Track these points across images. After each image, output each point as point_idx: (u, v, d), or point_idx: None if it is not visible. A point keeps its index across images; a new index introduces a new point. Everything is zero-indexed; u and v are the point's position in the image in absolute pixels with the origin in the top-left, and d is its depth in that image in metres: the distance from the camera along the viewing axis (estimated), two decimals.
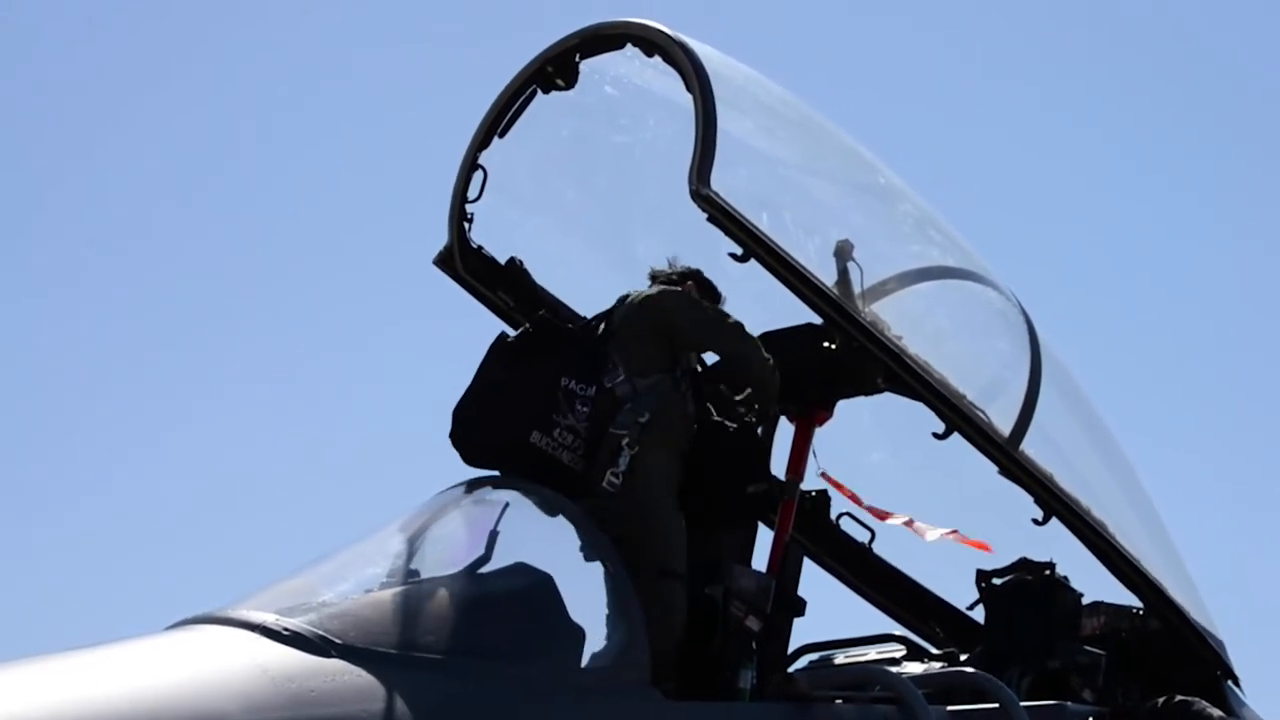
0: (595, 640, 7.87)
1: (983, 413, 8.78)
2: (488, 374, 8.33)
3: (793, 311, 8.74)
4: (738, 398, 8.61)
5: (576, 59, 9.01)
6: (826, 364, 8.95)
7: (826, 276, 8.58)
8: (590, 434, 8.22)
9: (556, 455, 8.18)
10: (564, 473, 8.17)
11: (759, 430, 8.75)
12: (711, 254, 8.51)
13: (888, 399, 8.98)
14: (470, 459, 8.24)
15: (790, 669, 8.90)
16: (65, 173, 24.31)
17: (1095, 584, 9.47)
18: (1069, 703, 8.98)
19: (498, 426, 8.19)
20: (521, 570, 7.89)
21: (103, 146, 24.14)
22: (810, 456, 9.06)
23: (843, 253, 8.72)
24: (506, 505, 8.07)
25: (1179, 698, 9.25)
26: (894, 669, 8.78)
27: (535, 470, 8.15)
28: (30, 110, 24.31)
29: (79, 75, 24.62)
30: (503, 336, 8.49)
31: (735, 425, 8.50)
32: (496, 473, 8.22)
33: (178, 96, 23.97)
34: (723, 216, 8.19)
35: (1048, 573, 9.42)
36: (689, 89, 8.34)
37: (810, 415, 9.08)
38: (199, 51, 23.67)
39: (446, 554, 7.99)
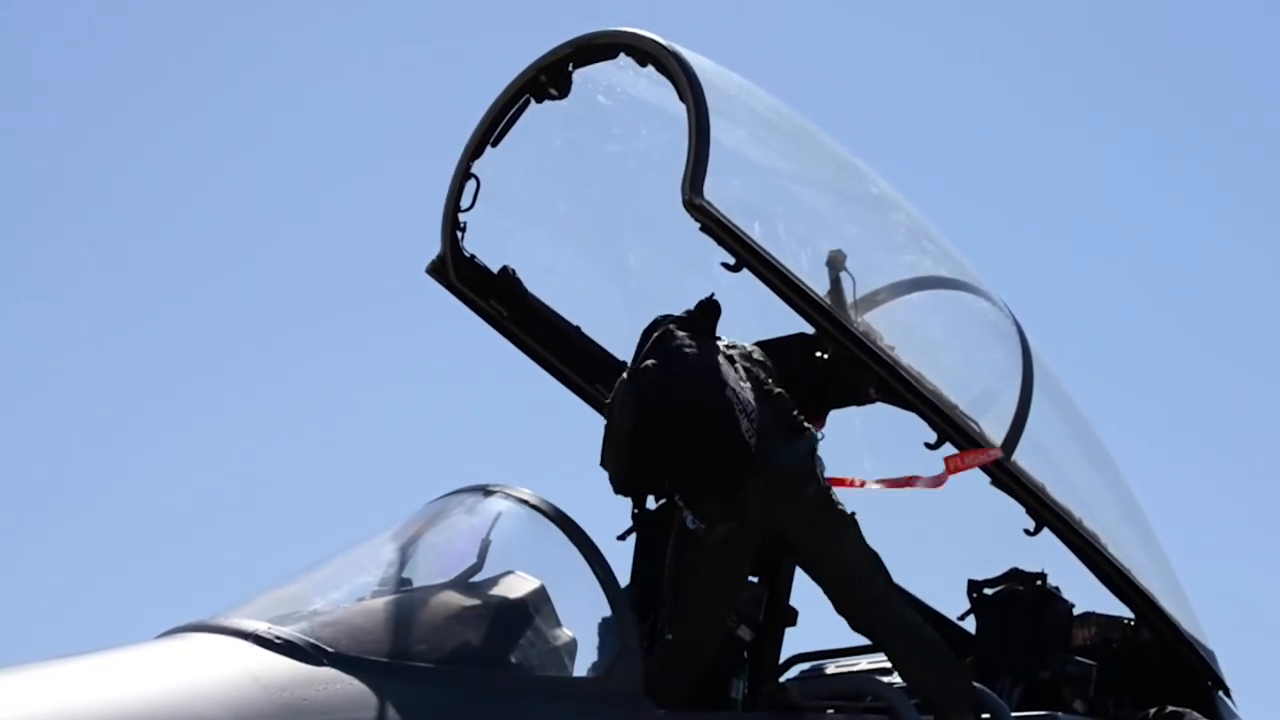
0: (588, 648, 7.88)
1: (975, 423, 8.78)
2: (669, 339, 8.22)
3: (785, 321, 8.75)
4: None
5: (569, 68, 9.01)
6: (819, 374, 8.95)
7: (819, 286, 8.58)
8: (759, 422, 8.14)
9: (739, 419, 8.04)
10: (737, 444, 8.00)
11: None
12: (704, 264, 8.52)
13: (880, 409, 8.98)
14: (649, 413, 8.04)
15: (782, 679, 8.90)
16: (64, 173, 24.30)
17: (1087, 594, 9.48)
18: (1060, 713, 8.99)
19: (693, 376, 8.08)
20: (513, 578, 7.89)
21: (102, 148, 24.14)
22: None
23: (835, 263, 8.72)
24: (499, 514, 8.08)
25: (1170, 709, 9.26)
26: (885, 679, 8.78)
27: (712, 432, 7.98)
28: (30, 110, 24.32)
29: (79, 75, 24.63)
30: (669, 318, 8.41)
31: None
32: (487, 484, 8.21)
33: (176, 99, 23.97)
34: (715, 226, 8.19)
35: (1039, 583, 9.42)
36: (682, 99, 8.35)
37: None
38: (198, 53, 23.68)
39: (439, 562, 7.99)
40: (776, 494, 8.11)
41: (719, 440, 7.98)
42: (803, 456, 8.21)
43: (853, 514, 8.38)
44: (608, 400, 8.48)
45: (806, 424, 8.32)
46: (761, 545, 8.34)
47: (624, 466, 8.39)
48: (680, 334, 8.23)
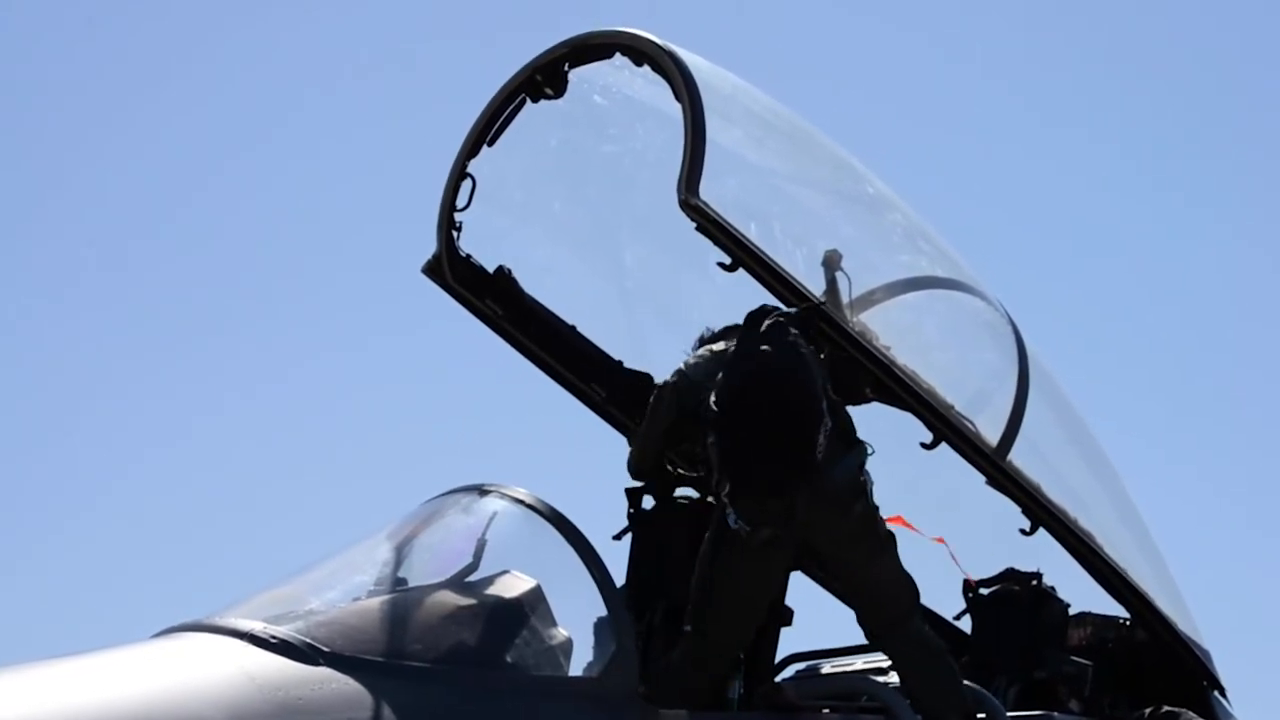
0: (583, 648, 7.88)
1: (970, 423, 8.79)
2: (784, 331, 8.14)
3: None
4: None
5: (565, 68, 9.02)
6: None
7: (815, 286, 8.59)
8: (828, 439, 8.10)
9: (819, 430, 7.99)
10: (809, 453, 7.94)
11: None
12: (700, 263, 8.52)
13: (875, 409, 8.98)
14: (744, 395, 7.97)
15: (777, 679, 8.90)
16: (64, 173, 24.30)
17: (1082, 594, 9.48)
18: (1056, 713, 9.00)
19: (797, 375, 8.02)
20: (509, 578, 7.89)
21: (102, 148, 24.13)
22: None
23: (831, 262, 8.72)
24: (494, 513, 8.07)
25: (1166, 708, 9.26)
26: (881, 679, 8.78)
27: (795, 435, 7.93)
28: (30, 110, 24.32)
29: (79, 75, 24.63)
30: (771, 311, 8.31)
31: None
32: (482, 483, 8.21)
33: (176, 99, 23.98)
34: (711, 226, 8.20)
35: (1035, 583, 9.43)
36: (678, 98, 8.36)
37: None
38: (198, 53, 23.70)
39: (434, 562, 7.99)
40: (827, 508, 8.10)
41: (796, 444, 7.94)
42: (854, 471, 8.21)
43: (892, 534, 8.39)
44: (658, 384, 8.52)
45: (859, 437, 8.31)
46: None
47: (659, 447, 8.42)
48: (794, 330, 8.17)
